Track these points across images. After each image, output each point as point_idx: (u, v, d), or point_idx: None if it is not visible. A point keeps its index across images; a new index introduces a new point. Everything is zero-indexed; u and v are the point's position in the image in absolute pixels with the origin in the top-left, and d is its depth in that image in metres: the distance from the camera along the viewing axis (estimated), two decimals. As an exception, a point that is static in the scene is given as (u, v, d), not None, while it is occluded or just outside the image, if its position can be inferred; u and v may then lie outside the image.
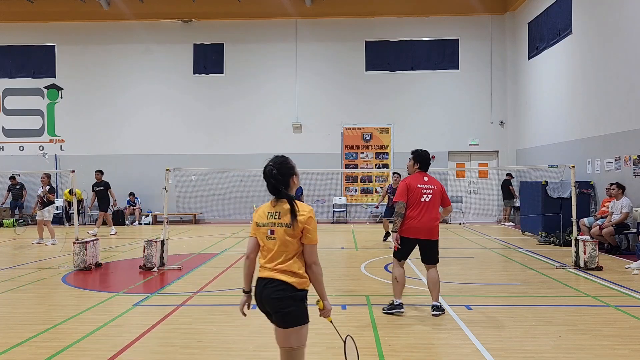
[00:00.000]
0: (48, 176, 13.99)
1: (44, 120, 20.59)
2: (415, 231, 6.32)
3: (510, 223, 18.23)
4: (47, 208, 13.61)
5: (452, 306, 6.78)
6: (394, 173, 14.62)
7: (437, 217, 6.40)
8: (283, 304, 3.35)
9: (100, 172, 16.53)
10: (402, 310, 6.40)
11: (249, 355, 5.10)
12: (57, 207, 14.24)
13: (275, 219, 3.42)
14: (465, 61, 19.82)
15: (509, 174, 18.49)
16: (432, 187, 6.41)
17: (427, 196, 6.34)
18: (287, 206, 3.41)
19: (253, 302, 3.73)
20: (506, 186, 18.33)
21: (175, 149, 19.95)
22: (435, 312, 6.32)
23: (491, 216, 19.37)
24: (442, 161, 19.49)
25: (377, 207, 14.55)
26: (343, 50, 20.06)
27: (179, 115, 20.28)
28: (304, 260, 3.41)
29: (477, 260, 11.02)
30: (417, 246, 6.46)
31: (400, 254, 6.46)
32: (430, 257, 6.44)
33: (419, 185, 6.39)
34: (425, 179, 6.47)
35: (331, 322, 3.65)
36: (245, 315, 3.74)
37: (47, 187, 13.60)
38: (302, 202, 3.64)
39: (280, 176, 3.49)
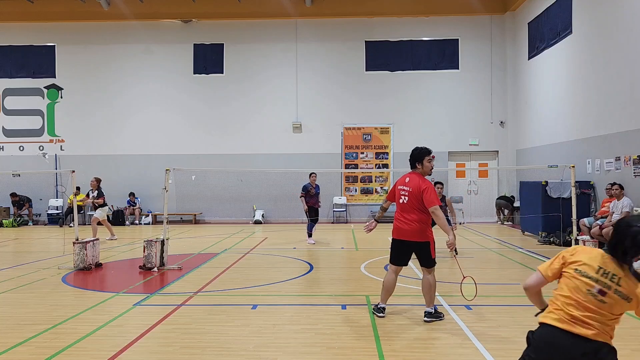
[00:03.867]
0: (98, 180, 14.50)
1: (44, 120, 20.59)
2: (397, 232, 6.20)
3: (509, 222, 18.26)
4: (99, 210, 14.27)
5: (452, 306, 6.78)
6: (436, 183, 11.25)
7: (416, 219, 6.02)
8: None
9: None
10: (381, 314, 6.21)
11: (249, 355, 5.09)
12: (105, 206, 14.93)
13: (610, 280, 2.95)
14: (465, 61, 19.82)
15: (512, 196, 18.63)
16: (409, 188, 6.11)
17: (404, 197, 6.14)
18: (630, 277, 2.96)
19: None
20: (507, 198, 18.55)
21: (175, 149, 19.95)
22: (425, 319, 6.09)
23: (491, 216, 19.37)
24: (442, 161, 19.48)
25: None
26: (343, 50, 20.07)
27: (179, 115, 20.28)
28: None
29: (477, 260, 11.02)
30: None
31: (391, 257, 6.35)
32: (420, 259, 6.21)
33: (399, 187, 6.26)
34: (407, 180, 6.21)
35: None
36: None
37: (96, 192, 14.27)
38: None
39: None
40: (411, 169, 6.31)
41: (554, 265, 3.13)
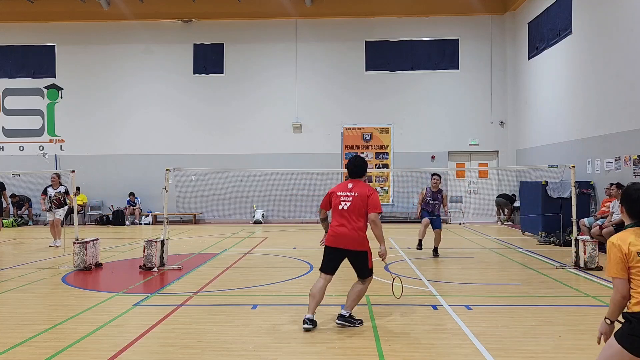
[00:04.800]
0: (58, 176, 13.30)
1: (44, 120, 20.59)
2: (334, 239, 5.95)
3: (509, 222, 18.26)
4: (62, 209, 13.08)
5: (452, 306, 6.78)
6: (433, 175, 11.38)
7: (356, 227, 5.85)
8: None
9: None
10: (307, 326, 5.79)
11: (249, 355, 5.09)
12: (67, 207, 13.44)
13: None
14: (465, 61, 19.82)
15: (513, 194, 18.59)
16: (354, 193, 5.94)
17: (345, 204, 5.93)
18: None
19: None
20: (507, 196, 18.53)
21: (176, 149, 19.94)
22: (337, 321, 5.96)
23: (491, 216, 19.36)
24: (442, 161, 19.50)
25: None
26: (343, 50, 20.06)
27: (179, 115, 20.27)
28: None
29: (477, 260, 11.02)
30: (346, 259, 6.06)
31: (322, 265, 6.09)
32: (356, 268, 6.03)
33: (338, 193, 6.05)
34: (350, 185, 6.04)
35: None
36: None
37: (63, 188, 13.01)
38: None
39: None
40: (355, 177, 6.15)
41: (620, 265, 3.24)
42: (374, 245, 6.03)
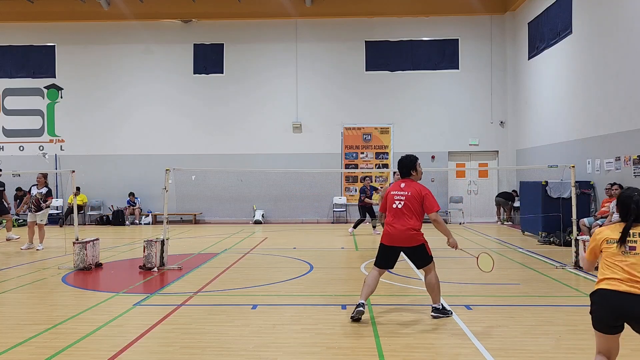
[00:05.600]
0: (45, 176, 12.85)
1: (44, 120, 20.59)
2: (389, 238, 6.19)
3: (509, 222, 18.26)
4: (42, 211, 12.56)
5: (452, 306, 6.77)
6: (395, 172, 11.80)
7: (414, 225, 6.07)
8: None
9: None
10: (360, 309, 6.02)
11: (249, 355, 5.09)
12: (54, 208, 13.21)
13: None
14: (465, 61, 19.82)
15: (514, 190, 18.59)
16: (407, 192, 6.14)
17: (400, 202, 6.13)
18: None
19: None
20: (507, 194, 18.52)
21: (176, 149, 19.94)
22: (432, 314, 6.22)
23: (491, 216, 19.36)
24: (442, 161, 19.50)
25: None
26: (343, 50, 20.06)
27: (179, 115, 20.27)
28: None
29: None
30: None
31: (377, 260, 6.34)
32: (415, 261, 6.32)
33: (392, 192, 6.27)
34: (402, 185, 6.24)
35: None
36: None
37: (45, 190, 12.56)
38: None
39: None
40: (403, 177, 6.35)
41: (591, 250, 4.00)
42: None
